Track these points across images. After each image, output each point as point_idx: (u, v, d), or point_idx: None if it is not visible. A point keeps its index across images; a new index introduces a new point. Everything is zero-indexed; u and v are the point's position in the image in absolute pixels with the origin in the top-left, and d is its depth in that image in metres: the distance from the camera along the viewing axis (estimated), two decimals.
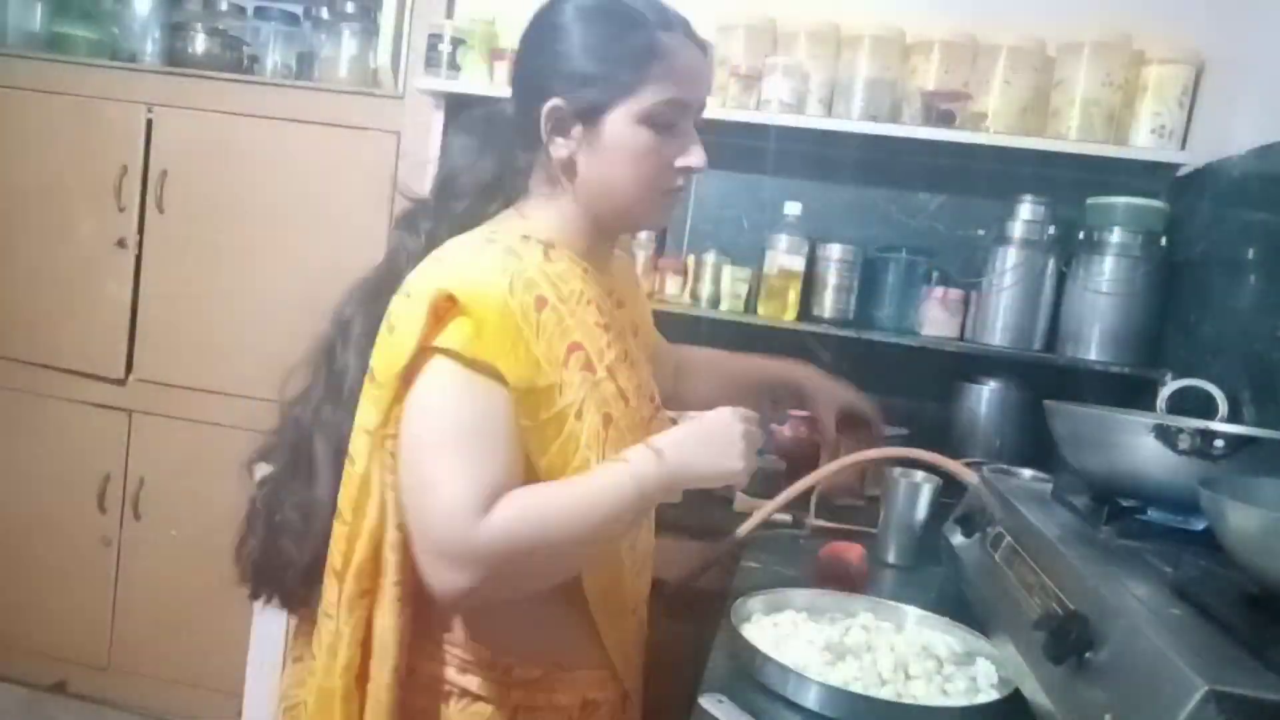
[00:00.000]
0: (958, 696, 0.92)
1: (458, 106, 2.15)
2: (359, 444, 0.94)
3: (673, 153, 0.97)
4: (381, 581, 0.93)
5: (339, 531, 0.95)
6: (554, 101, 0.95)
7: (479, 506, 0.86)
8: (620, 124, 0.95)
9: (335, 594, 0.94)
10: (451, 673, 0.97)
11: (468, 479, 0.86)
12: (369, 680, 0.94)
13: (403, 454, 0.90)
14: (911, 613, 1.10)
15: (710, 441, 0.96)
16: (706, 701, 0.86)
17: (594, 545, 0.95)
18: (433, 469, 0.88)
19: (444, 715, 0.97)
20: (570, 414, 0.92)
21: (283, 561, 1.03)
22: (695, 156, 0.98)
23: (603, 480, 0.92)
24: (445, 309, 0.88)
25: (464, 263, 0.92)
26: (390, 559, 0.93)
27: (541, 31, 1.00)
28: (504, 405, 0.89)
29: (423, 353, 0.89)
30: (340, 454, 0.97)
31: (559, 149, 0.97)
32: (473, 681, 0.97)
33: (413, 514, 0.89)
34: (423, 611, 0.95)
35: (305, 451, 1.02)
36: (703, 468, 0.96)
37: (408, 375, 0.90)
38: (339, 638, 0.93)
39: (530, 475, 0.92)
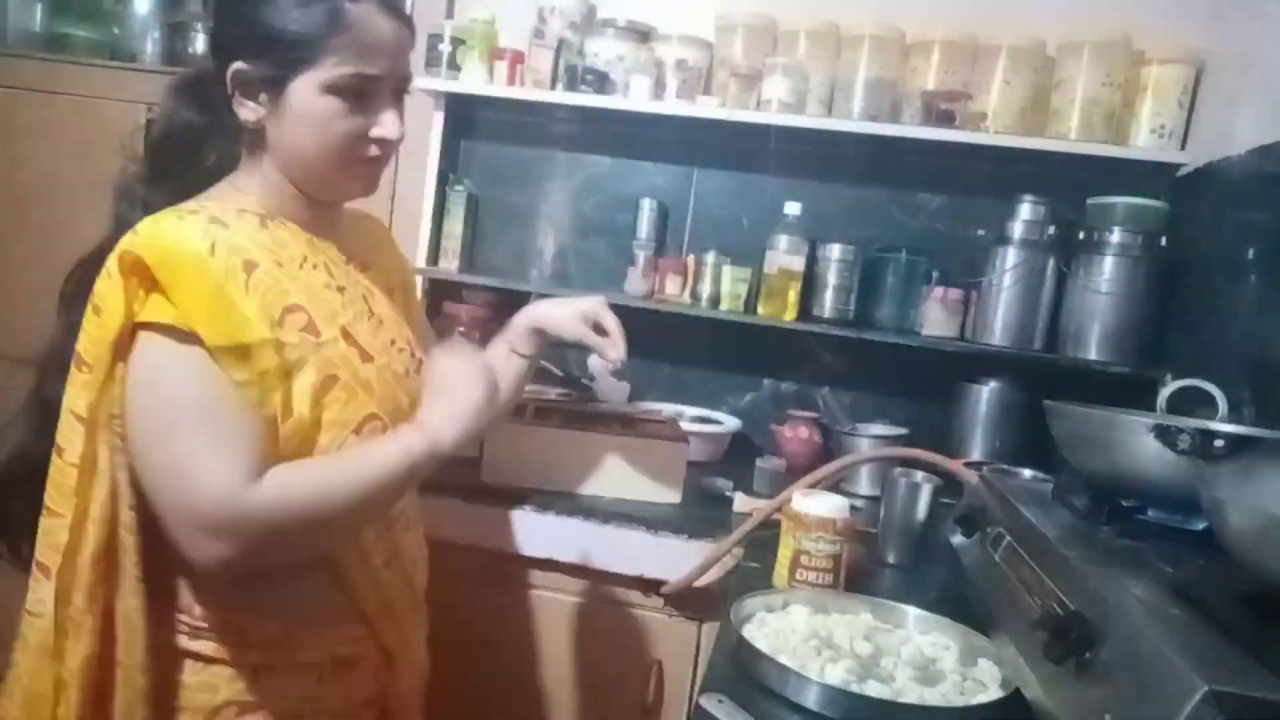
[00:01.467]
0: (957, 696, 0.92)
1: (458, 106, 2.16)
2: (70, 433, 0.91)
3: (364, 122, 0.98)
4: (122, 562, 0.92)
5: (49, 525, 0.92)
6: (237, 65, 0.96)
7: (243, 476, 0.88)
8: (304, 92, 0.95)
9: (49, 591, 0.90)
10: (184, 640, 0.97)
11: (223, 449, 0.88)
12: (116, 666, 0.92)
13: (138, 435, 0.90)
14: (911, 612, 1.10)
15: (447, 390, 0.99)
16: (706, 701, 0.86)
17: (364, 513, 0.98)
18: (181, 445, 0.88)
19: (181, 683, 0.96)
20: (286, 372, 0.92)
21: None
22: (388, 127, 0.99)
23: (371, 452, 0.95)
24: (148, 279, 0.88)
25: (158, 230, 0.90)
26: (128, 541, 0.92)
27: None
28: (220, 367, 0.89)
29: (132, 330, 0.89)
30: None
31: (245, 112, 0.97)
32: (206, 646, 0.97)
33: (166, 493, 0.89)
34: (155, 585, 0.95)
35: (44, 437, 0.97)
36: (456, 414, 0.98)
37: (118, 354, 0.90)
38: (74, 632, 0.90)
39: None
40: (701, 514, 1.58)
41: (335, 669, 1.02)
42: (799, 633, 1.02)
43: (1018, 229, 1.90)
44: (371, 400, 0.99)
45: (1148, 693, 0.62)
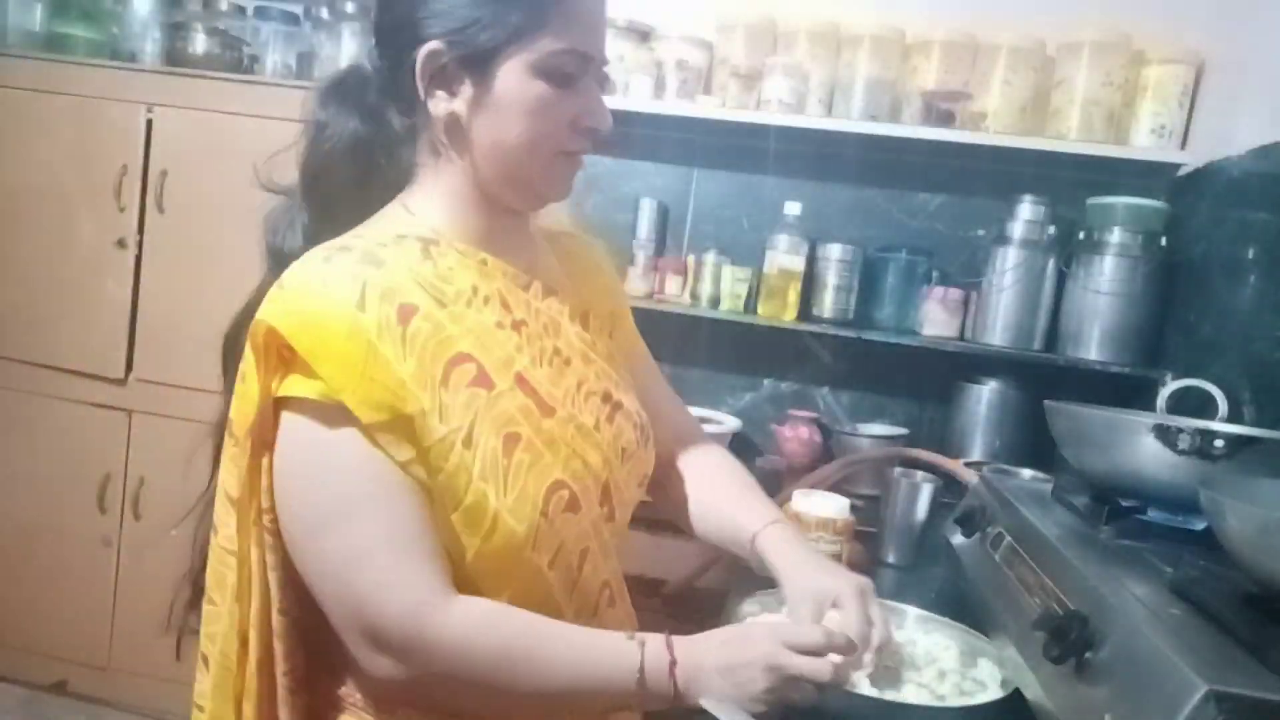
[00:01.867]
0: (957, 697, 0.92)
1: None
2: (224, 512, 0.81)
3: (572, 110, 0.83)
4: (273, 671, 0.81)
5: (208, 611, 0.83)
6: (431, 46, 0.79)
7: (429, 590, 0.75)
8: (514, 75, 0.80)
9: (209, 685, 0.83)
10: None
11: (399, 550, 0.75)
12: None
13: (295, 532, 0.77)
14: (911, 612, 1.10)
15: (732, 672, 0.77)
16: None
17: (555, 705, 0.79)
18: (347, 543, 0.75)
19: None
20: (456, 441, 0.76)
21: None
22: (600, 116, 0.85)
23: (607, 647, 0.78)
24: (286, 347, 0.74)
25: (298, 289, 0.76)
26: (278, 648, 0.81)
27: None
28: (380, 447, 0.75)
29: (276, 405, 0.76)
30: None
31: (439, 104, 0.82)
32: None
33: (336, 599, 0.77)
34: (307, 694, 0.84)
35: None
36: (705, 693, 0.78)
37: (260, 437, 0.77)
38: None
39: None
40: None
41: None
42: None
43: (1018, 229, 1.90)
44: (556, 463, 0.82)
45: (1148, 693, 0.62)
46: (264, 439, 0.77)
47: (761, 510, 1.00)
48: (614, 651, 0.78)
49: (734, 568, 1.40)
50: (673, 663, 0.78)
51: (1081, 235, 1.88)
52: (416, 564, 0.75)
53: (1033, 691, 0.81)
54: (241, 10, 2.39)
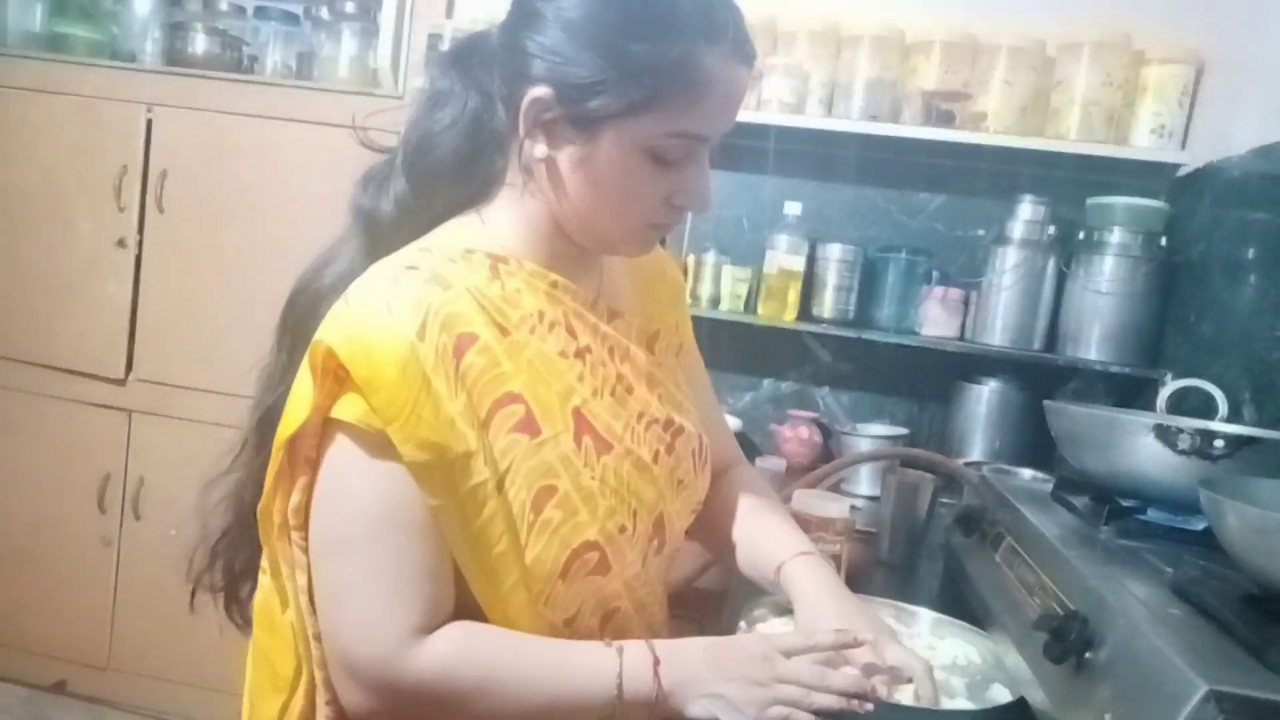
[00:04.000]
0: (965, 700, 0.92)
1: None
2: (265, 524, 0.80)
3: (670, 188, 0.78)
4: (315, 701, 0.79)
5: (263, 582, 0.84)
6: (540, 92, 0.75)
7: (408, 630, 0.73)
8: (619, 147, 0.75)
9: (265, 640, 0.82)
10: None
11: (394, 589, 0.73)
12: None
13: (314, 547, 0.77)
14: (924, 615, 1.08)
15: (720, 666, 0.76)
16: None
17: None
18: (346, 570, 0.74)
19: None
20: (491, 487, 0.74)
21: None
22: (699, 199, 0.79)
23: (582, 657, 0.76)
24: (341, 367, 0.72)
25: (366, 304, 0.74)
26: (318, 676, 0.79)
27: None
28: (415, 485, 0.73)
29: (325, 425, 0.75)
30: None
31: (537, 146, 0.77)
32: None
33: (325, 624, 0.76)
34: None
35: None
36: (697, 693, 0.75)
37: (299, 447, 0.75)
38: None
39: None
40: None
41: None
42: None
43: (1018, 229, 1.90)
44: (592, 522, 0.78)
45: (1148, 693, 0.62)
46: (304, 455, 0.76)
47: (792, 541, 0.95)
48: (591, 662, 0.76)
49: (735, 568, 1.40)
50: (656, 661, 0.76)
51: (1081, 235, 1.88)
52: (403, 604, 0.74)
53: (1033, 692, 0.81)
54: (241, 10, 2.39)
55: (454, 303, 0.74)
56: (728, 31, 0.75)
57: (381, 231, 0.82)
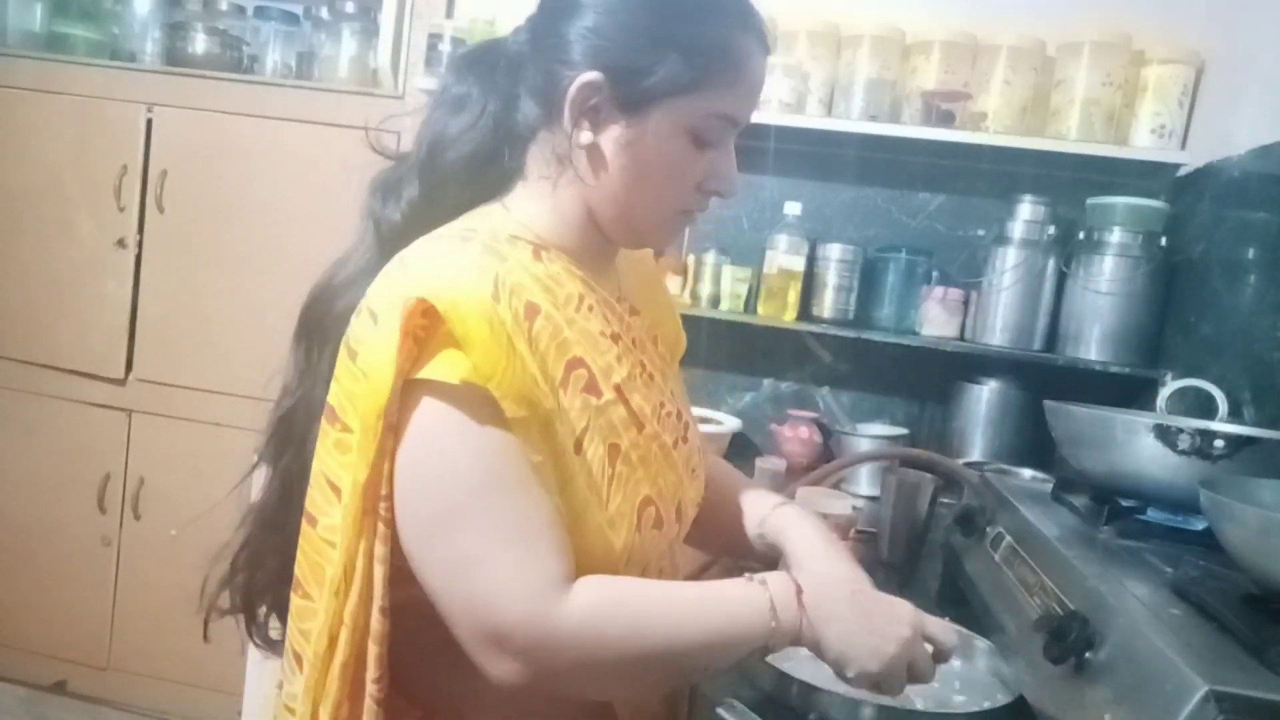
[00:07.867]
0: (966, 703, 0.92)
1: None
2: (323, 501, 0.76)
3: (703, 171, 0.82)
4: (362, 677, 0.75)
5: (301, 606, 0.78)
6: (590, 77, 0.77)
7: (552, 587, 0.71)
8: (664, 127, 0.78)
9: (301, 686, 0.77)
10: None
11: (527, 550, 0.71)
12: None
13: (416, 522, 0.73)
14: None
15: (869, 621, 0.77)
16: (724, 710, 0.85)
17: (688, 666, 0.76)
18: (472, 540, 0.71)
19: None
20: (569, 447, 0.75)
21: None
22: (727, 183, 0.84)
23: (732, 590, 0.77)
24: (423, 327, 0.71)
25: (437, 263, 0.74)
26: (372, 651, 0.74)
27: None
28: (518, 441, 0.72)
29: (407, 387, 0.71)
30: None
31: (582, 133, 0.79)
32: None
33: (453, 598, 0.72)
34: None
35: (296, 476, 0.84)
36: (838, 639, 0.76)
37: (389, 421, 0.72)
38: None
39: None
40: None
41: None
42: None
43: (1018, 229, 1.90)
44: (646, 479, 0.80)
45: (1148, 693, 0.62)
46: (391, 423, 0.72)
47: (768, 497, 0.98)
48: (741, 594, 0.76)
49: (734, 569, 1.40)
50: (799, 590, 0.77)
51: (1081, 235, 1.88)
52: (539, 559, 0.72)
53: (1033, 692, 0.81)
54: (241, 10, 2.39)
55: (514, 274, 0.75)
56: (756, 21, 0.81)
57: (393, 234, 0.83)
